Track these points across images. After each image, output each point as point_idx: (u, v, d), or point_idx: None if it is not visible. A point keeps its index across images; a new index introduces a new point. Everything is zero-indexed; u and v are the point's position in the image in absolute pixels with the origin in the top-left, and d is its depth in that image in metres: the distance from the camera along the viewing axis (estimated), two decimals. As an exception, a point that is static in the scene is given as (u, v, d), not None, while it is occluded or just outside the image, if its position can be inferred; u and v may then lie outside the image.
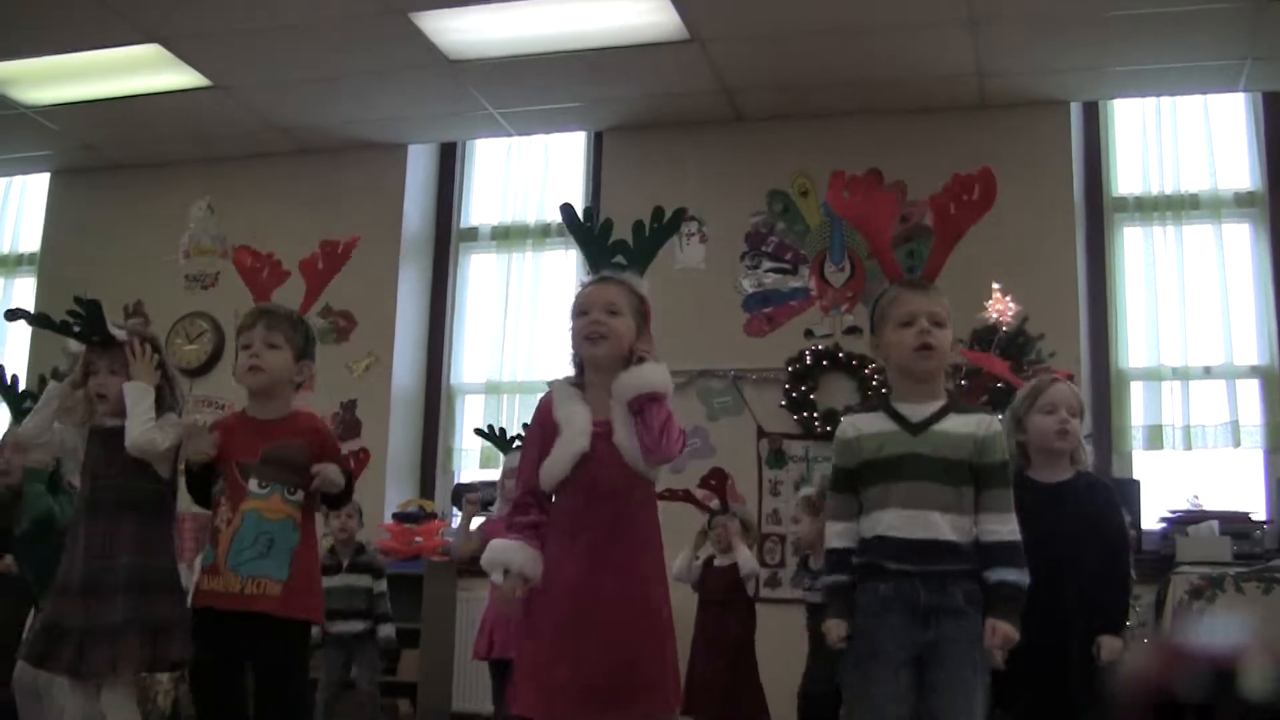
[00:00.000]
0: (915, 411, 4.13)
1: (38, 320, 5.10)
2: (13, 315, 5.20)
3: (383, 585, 8.23)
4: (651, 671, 4.04)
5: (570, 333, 4.25)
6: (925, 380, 4.18)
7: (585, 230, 4.36)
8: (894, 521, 4.02)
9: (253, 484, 4.47)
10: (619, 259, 4.30)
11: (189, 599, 4.81)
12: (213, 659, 4.50)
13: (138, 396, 4.64)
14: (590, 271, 4.36)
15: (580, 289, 4.28)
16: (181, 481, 4.83)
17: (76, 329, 4.84)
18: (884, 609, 4.01)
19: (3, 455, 6.69)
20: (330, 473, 4.52)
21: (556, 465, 4.11)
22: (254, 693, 4.52)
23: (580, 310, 4.19)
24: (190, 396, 10.63)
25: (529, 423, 4.35)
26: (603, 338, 4.13)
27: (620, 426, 4.09)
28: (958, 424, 4.08)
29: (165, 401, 4.81)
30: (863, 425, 4.20)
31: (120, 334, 4.81)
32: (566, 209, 4.43)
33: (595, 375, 4.19)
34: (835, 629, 4.09)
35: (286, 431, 4.54)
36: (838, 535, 4.18)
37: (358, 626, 8.01)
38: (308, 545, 4.55)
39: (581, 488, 4.11)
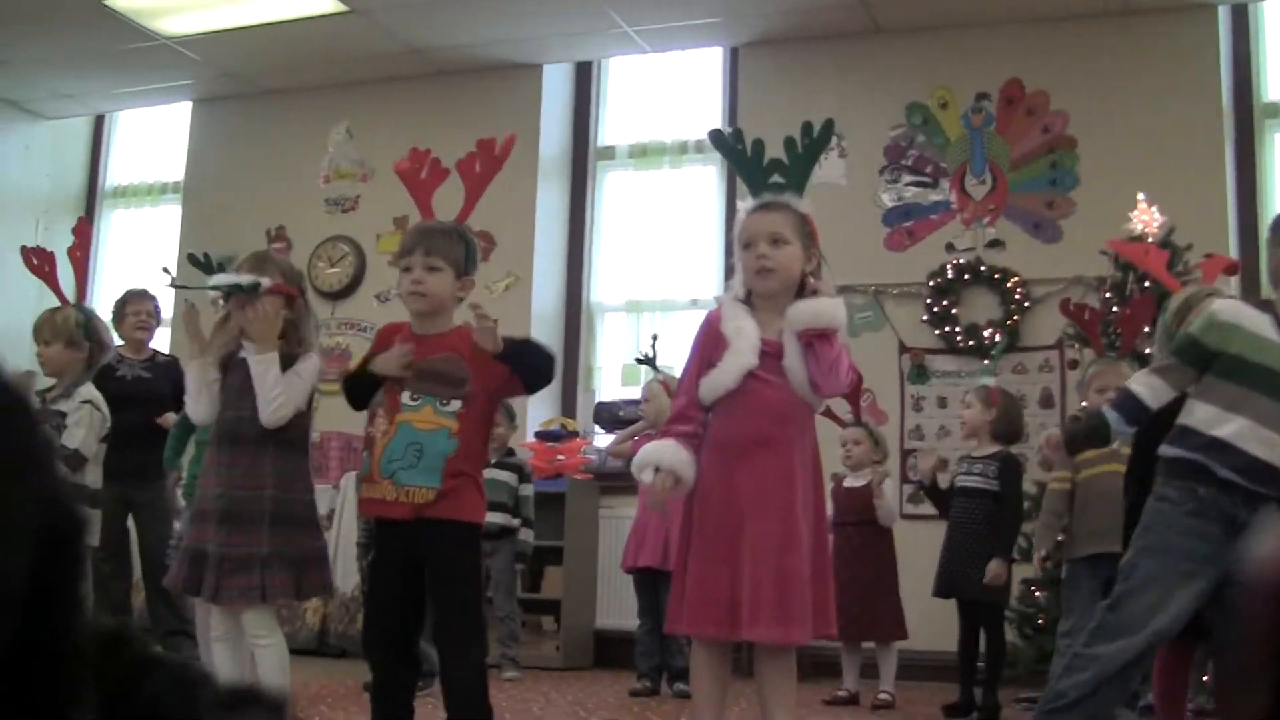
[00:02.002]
0: None
1: (202, 286, 5.11)
2: (176, 285, 5.26)
3: (529, 490, 8.25)
4: (805, 593, 4.02)
5: (738, 262, 4.22)
6: None
7: (738, 153, 4.33)
8: (1243, 433, 3.98)
9: (405, 396, 4.47)
10: (776, 178, 4.26)
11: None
12: (390, 561, 4.56)
13: (262, 373, 4.66)
14: (750, 194, 4.30)
15: (743, 216, 4.23)
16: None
17: (231, 291, 4.85)
18: (1198, 512, 3.97)
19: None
20: (485, 332, 4.47)
21: (723, 378, 4.10)
22: (429, 592, 4.55)
23: (745, 242, 4.15)
24: (333, 320, 10.78)
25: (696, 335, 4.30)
26: (770, 271, 4.10)
27: (791, 351, 4.08)
28: None
29: (298, 335, 4.82)
30: (1245, 316, 4.14)
31: (265, 282, 4.81)
32: (716, 134, 4.40)
33: (764, 301, 4.17)
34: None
35: (443, 346, 4.53)
36: (1152, 391, 4.15)
37: (498, 519, 7.93)
38: (466, 454, 4.49)
39: (744, 405, 4.11)
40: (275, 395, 4.63)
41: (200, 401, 4.77)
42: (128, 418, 6.65)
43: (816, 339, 4.02)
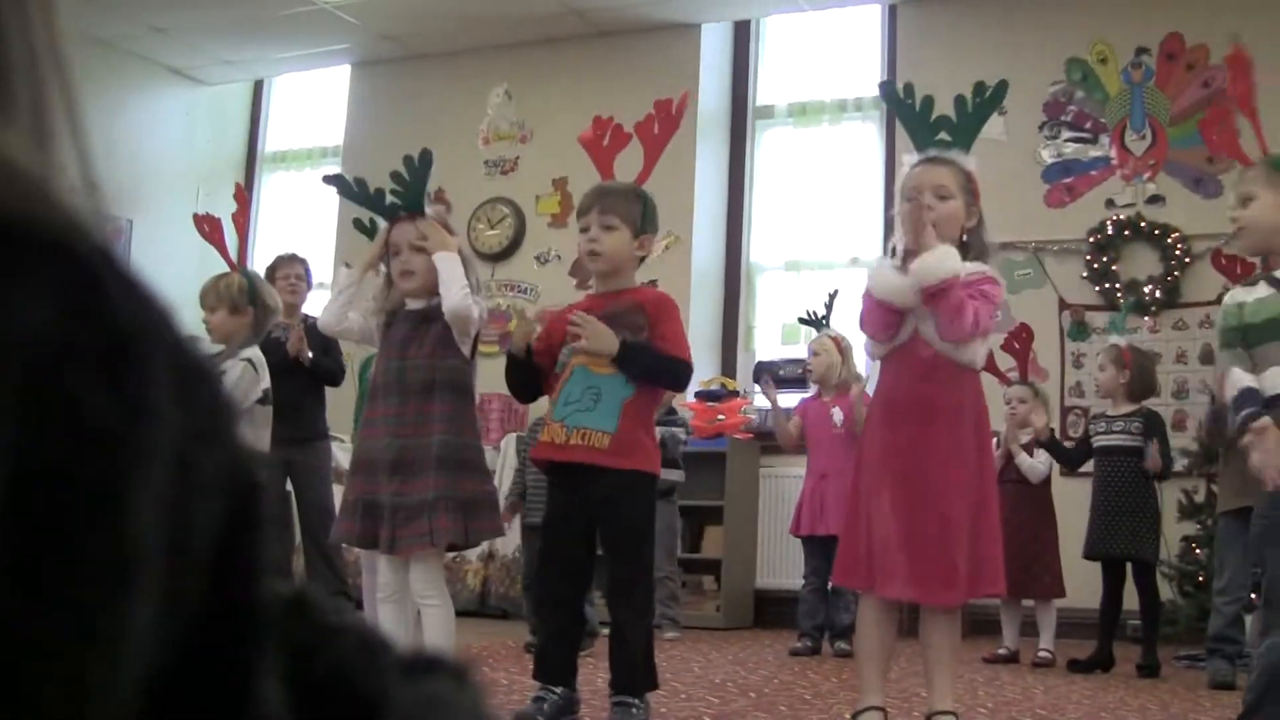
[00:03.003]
0: None
1: (352, 191, 5.17)
2: (329, 180, 5.33)
3: (682, 434, 8.28)
4: (964, 550, 4.04)
5: (899, 214, 4.22)
6: None
7: (908, 108, 4.33)
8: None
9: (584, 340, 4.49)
10: (943, 135, 4.26)
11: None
12: (563, 515, 4.59)
13: (452, 264, 4.69)
14: (916, 149, 4.31)
15: (909, 170, 4.25)
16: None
17: (392, 200, 4.93)
18: None
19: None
20: (598, 333, 4.46)
21: (900, 334, 4.15)
22: (603, 546, 4.58)
23: (910, 194, 4.16)
24: (493, 281, 10.88)
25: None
26: (932, 224, 4.11)
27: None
28: None
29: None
30: (1240, 291, 4.34)
31: (430, 210, 4.89)
32: (886, 87, 4.40)
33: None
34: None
35: (624, 299, 4.55)
36: (1240, 377, 4.21)
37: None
38: (644, 400, 4.53)
39: (908, 361, 4.14)
40: (464, 285, 4.65)
41: (336, 303, 4.88)
42: (283, 380, 6.74)
43: (931, 295, 4.01)
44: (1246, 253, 4.16)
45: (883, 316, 4.13)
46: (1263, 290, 4.19)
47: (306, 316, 7.54)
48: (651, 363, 4.54)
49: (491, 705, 0.56)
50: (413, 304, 4.85)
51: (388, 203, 4.95)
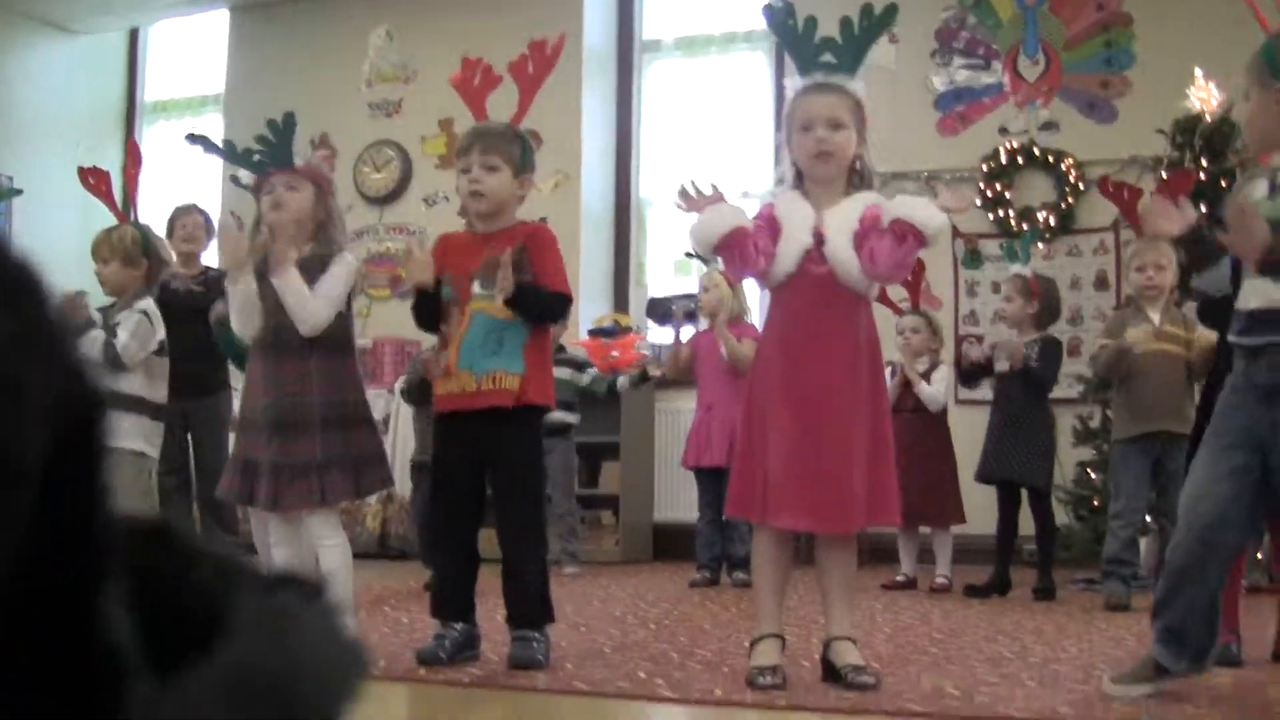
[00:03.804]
0: None
1: (219, 150, 5.13)
2: (194, 139, 5.25)
3: (593, 372, 8.28)
4: (860, 479, 4.05)
5: (790, 143, 4.19)
6: None
7: (790, 29, 4.26)
8: (1244, 294, 3.87)
9: (475, 286, 4.46)
10: (827, 57, 4.21)
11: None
12: (454, 458, 4.57)
13: (285, 289, 4.60)
14: (800, 73, 4.25)
15: (797, 97, 4.18)
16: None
17: (258, 158, 4.85)
18: (1234, 388, 3.92)
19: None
20: (504, 281, 4.39)
21: (782, 263, 4.10)
22: (493, 487, 4.58)
23: (803, 125, 4.11)
24: (380, 225, 10.79)
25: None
26: (830, 155, 4.07)
27: (835, 238, 4.07)
28: None
29: (328, 236, 4.80)
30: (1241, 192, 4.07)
31: (311, 157, 4.82)
32: (768, 9, 4.34)
33: (816, 186, 4.15)
34: None
35: (506, 238, 4.53)
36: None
37: (555, 416, 7.84)
38: (540, 336, 4.56)
39: (801, 291, 4.11)
40: (307, 306, 4.62)
41: (253, 318, 4.76)
42: (181, 332, 6.67)
43: (912, 234, 3.99)
44: (1253, 152, 4.06)
45: (736, 249, 4.11)
46: (1262, 189, 4.06)
47: (208, 269, 7.45)
48: (541, 302, 4.54)
49: (344, 622, 0.52)
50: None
51: (255, 159, 4.86)
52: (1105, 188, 6.90)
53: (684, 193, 4.23)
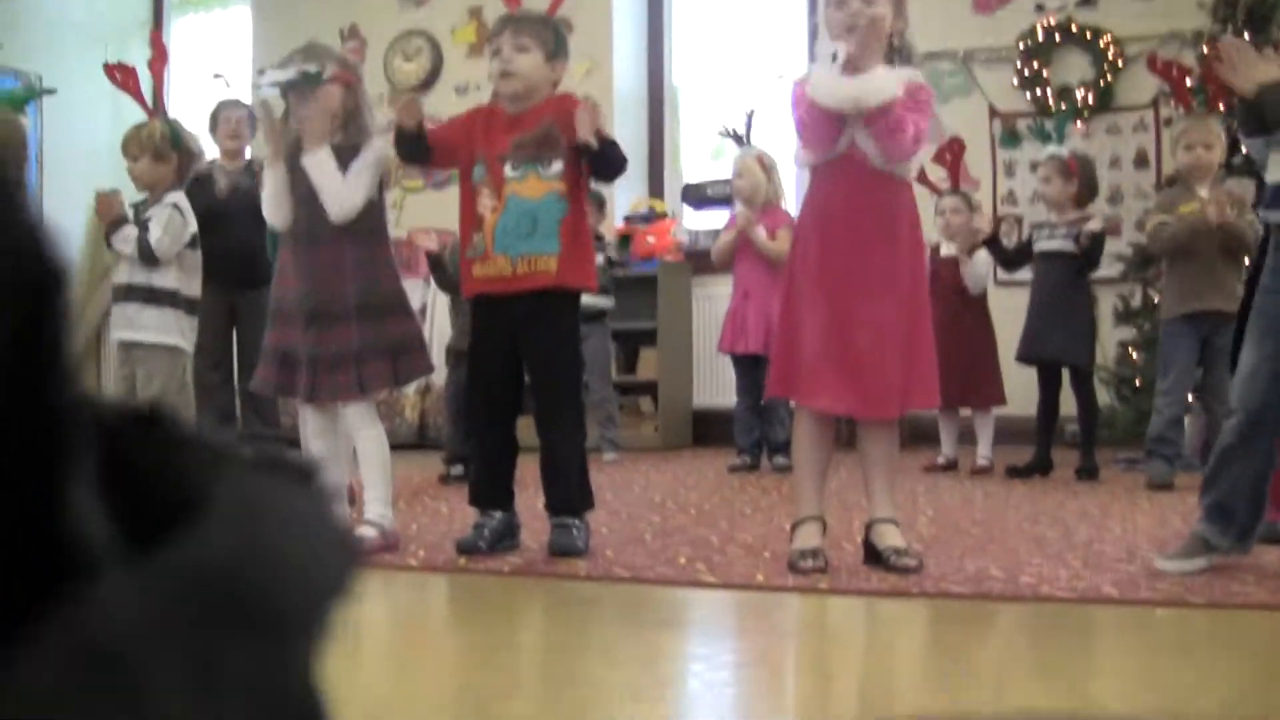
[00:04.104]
0: None
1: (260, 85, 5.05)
2: (219, 76, 5.20)
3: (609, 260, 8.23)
4: (899, 363, 4.04)
5: (825, 20, 4.11)
6: None
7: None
8: (1271, 166, 3.87)
9: (508, 169, 4.42)
10: None
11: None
12: (491, 344, 4.54)
13: (320, 172, 4.58)
14: None
15: None
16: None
17: (292, 85, 4.77)
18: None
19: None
20: (583, 120, 4.37)
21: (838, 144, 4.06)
22: (530, 373, 4.56)
23: (838, 1, 4.04)
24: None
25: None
26: (862, 29, 3.99)
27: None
28: None
29: (358, 124, 4.76)
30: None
31: (328, 69, 4.74)
32: None
33: (852, 63, 4.07)
34: None
35: (536, 116, 4.48)
36: None
37: (591, 301, 7.79)
38: (576, 215, 4.48)
39: (841, 171, 4.08)
40: (338, 190, 4.59)
41: (283, 206, 4.73)
42: (227, 225, 6.66)
43: (872, 116, 3.96)
44: None
45: (825, 126, 4.05)
46: None
47: (252, 161, 7.43)
48: (615, 151, 4.50)
49: (334, 511, 0.50)
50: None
51: (290, 80, 4.75)
52: (1153, 65, 6.81)
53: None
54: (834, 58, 4.04)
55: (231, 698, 0.44)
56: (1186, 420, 6.74)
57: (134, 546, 0.44)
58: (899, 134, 3.96)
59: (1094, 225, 6.84)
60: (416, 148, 4.60)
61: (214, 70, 5.29)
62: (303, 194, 4.66)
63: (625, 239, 8.70)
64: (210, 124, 7.50)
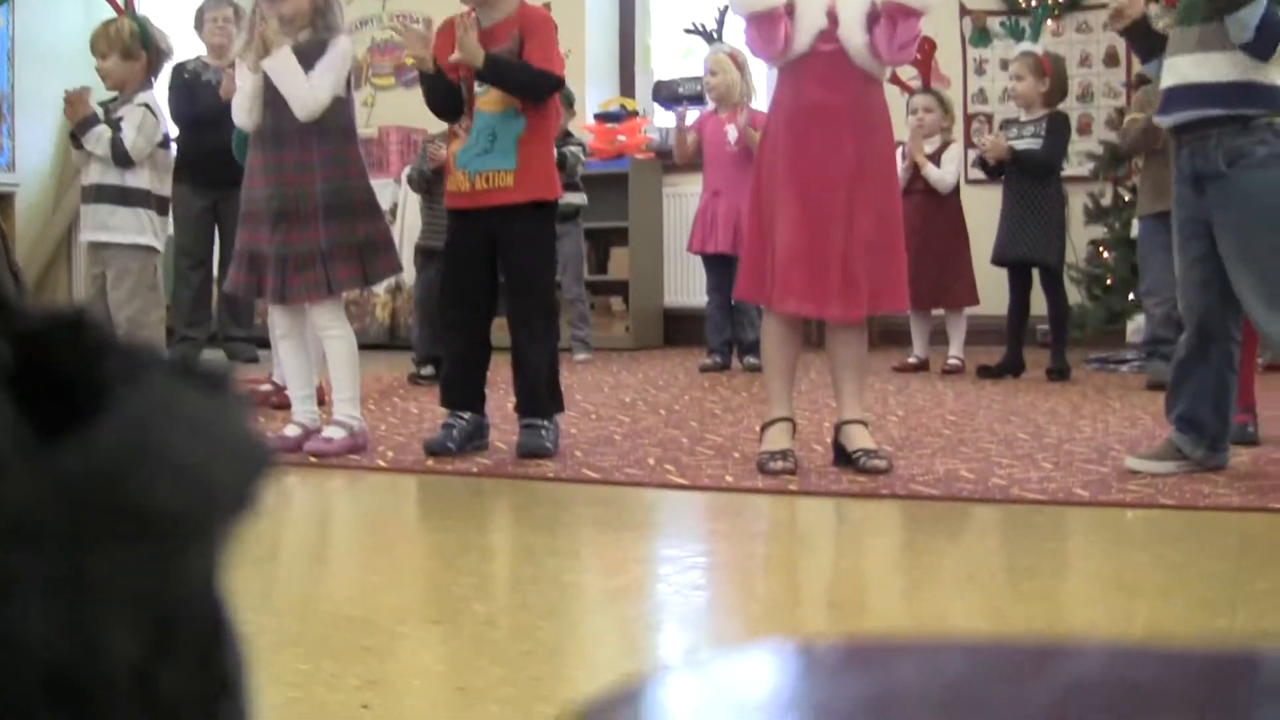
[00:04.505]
0: None
1: None
2: None
3: (581, 154, 8.14)
4: (867, 265, 4.02)
5: None
6: None
7: None
8: (1163, 73, 3.96)
9: (477, 86, 4.40)
10: None
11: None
12: (466, 249, 4.53)
13: (282, 72, 4.52)
14: None
15: None
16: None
17: None
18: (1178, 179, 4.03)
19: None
20: (466, 44, 4.30)
21: (796, 42, 4.02)
22: (504, 276, 4.54)
23: None
24: (384, 13, 10.61)
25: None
26: None
27: (848, 20, 3.99)
28: None
29: (325, 21, 4.68)
30: None
31: None
32: None
33: None
34: None
35: (501, 32, 4.43)
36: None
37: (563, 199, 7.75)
38: (535, 130, 4.45)
39: (812, 71, 4.04)
40: (302, 88, 4.52)
41: (255, 109, 4.67)
42: (210, 123, 6.60)
43: (902, 16, 3.92)
44: None
45: (767, 29, 4.01)
46: None
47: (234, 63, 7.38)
48: (513, 76, 4.42)
49: (245, 416, 0.50)
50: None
51: None
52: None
53: None
54: None
55: (103, 605, 0.43)
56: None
57: (42, 450, 0.43)
58: (910, 45, 4.00)
59: (986, 142, 6.95)
60: (451, 96, 4.51)
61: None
62: (270, 94, 4.60)
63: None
64: (196, 21, 7.44)
